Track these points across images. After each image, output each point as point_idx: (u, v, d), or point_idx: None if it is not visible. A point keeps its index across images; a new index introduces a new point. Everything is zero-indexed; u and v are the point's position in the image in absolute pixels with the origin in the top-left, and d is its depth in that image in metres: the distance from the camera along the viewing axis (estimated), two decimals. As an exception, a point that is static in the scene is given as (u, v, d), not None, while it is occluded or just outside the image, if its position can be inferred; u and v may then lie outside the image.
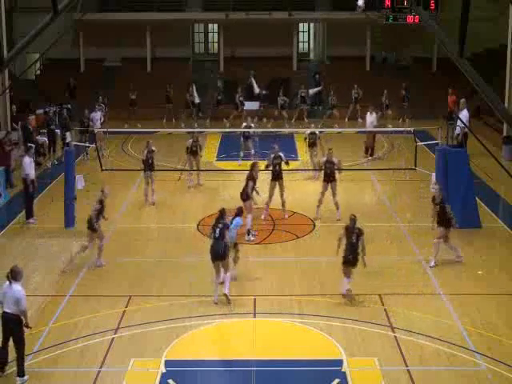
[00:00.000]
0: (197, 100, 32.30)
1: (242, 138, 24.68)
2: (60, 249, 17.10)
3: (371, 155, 25.59)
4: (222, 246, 13.74)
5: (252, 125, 24.62)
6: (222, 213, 14.09)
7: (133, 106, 32.04)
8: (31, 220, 18.77)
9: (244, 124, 24.37)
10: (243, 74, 34.44)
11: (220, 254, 13.73)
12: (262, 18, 35.90)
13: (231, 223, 14.41)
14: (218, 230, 13.81)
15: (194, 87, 32.29)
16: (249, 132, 24.49)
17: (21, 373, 11.32)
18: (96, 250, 15.93)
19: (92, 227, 15.57)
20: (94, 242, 15.84)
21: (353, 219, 14.03)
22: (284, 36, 36.92)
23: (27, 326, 11.46)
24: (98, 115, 26.79)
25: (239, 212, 14.94)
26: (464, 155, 18.73)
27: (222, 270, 13.95)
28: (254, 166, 18.16)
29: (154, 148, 20.77)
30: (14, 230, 18.50)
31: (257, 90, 32.88)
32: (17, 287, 11.29)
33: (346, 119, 32.40)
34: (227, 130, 28.52)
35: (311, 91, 33.62)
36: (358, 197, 21.76)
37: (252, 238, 17.45)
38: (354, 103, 32.25)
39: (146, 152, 20.65)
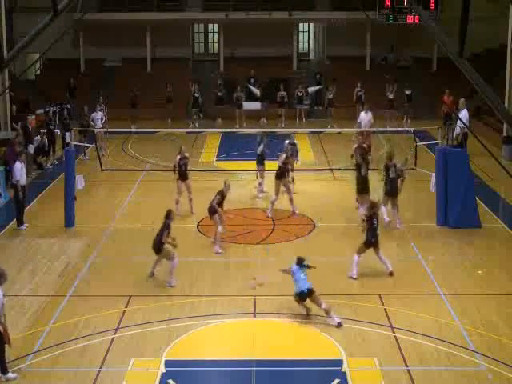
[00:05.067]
0: (199, 99, 32.31)
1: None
2: (60, 249, 17.13)
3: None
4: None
5: (296, 141, 21.51)
6: (169, 213, 15.05)
7: (134, 106, 31.94)
8: (22, 227, 18.61)
9: (287, 141, 20.90)
10: (243, 74, 34.47)
11: None
12: (262, 18, 35.91)
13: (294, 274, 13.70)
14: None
15: (196, 86, 32.27)
16: (295, 150, 21.21)
17: (4, 370, 11.25)
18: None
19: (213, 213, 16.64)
20: (216, 225, 16.63)
21: None
22: (284, 36, 36.94)
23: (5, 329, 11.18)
24: (98, 115, 26.88)
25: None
26: (464, 155, 18.75)
27: None
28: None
29: (187, 154, 19.43)
30: (14, 230, 18.48)
31: (257, 92, 32.90)
32: None
33: (358, 120, 32.10)
34: (228, 130, 28.48)
35: (310, 89, 33.54)
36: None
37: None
38: (360, 102, 31.84)
39: (178, 158, 19.11)
